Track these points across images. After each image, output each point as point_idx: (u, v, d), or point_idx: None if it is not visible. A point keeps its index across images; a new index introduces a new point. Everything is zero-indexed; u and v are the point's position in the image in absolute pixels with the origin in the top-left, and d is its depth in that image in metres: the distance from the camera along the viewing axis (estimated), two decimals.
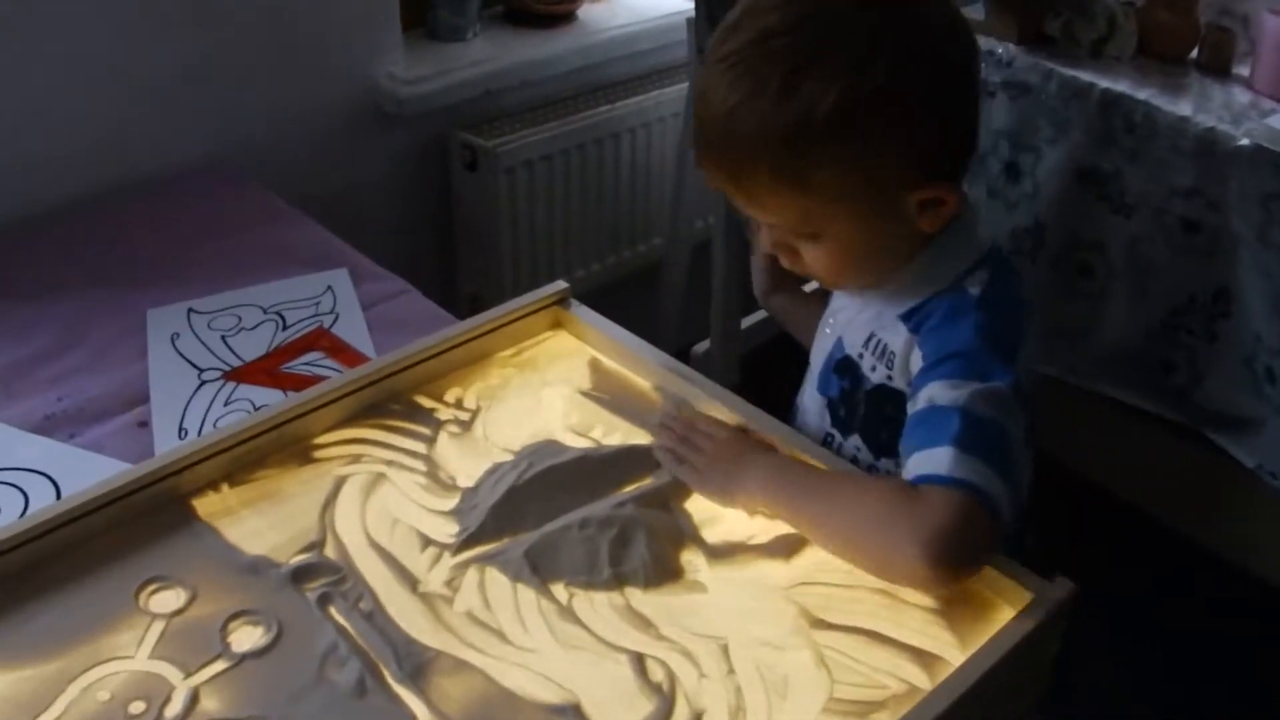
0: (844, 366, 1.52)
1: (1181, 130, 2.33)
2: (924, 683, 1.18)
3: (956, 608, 1.27)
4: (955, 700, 1.12)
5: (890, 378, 1.43)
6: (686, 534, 1.37)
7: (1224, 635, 2.76)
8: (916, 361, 1.36)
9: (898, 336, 1.41)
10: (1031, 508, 1.37)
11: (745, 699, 1.19)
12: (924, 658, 1.21)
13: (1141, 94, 2.37)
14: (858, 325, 1.48)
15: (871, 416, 1.50)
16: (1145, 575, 2.77)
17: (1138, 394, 2.64)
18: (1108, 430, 2.96)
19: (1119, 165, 2.46)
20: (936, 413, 1.27)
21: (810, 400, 1.61)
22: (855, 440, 1.53)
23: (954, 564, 1.20)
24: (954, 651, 1.21)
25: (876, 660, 1.22)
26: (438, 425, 1.55)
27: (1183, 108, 2.33)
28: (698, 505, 1.42)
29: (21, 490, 1.60)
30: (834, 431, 1.55)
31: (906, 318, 1.40)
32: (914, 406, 1.30)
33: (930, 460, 1.23)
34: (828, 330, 1.57)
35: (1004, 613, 1.24)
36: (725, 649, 1.24)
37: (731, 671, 1.21)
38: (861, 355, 1.48)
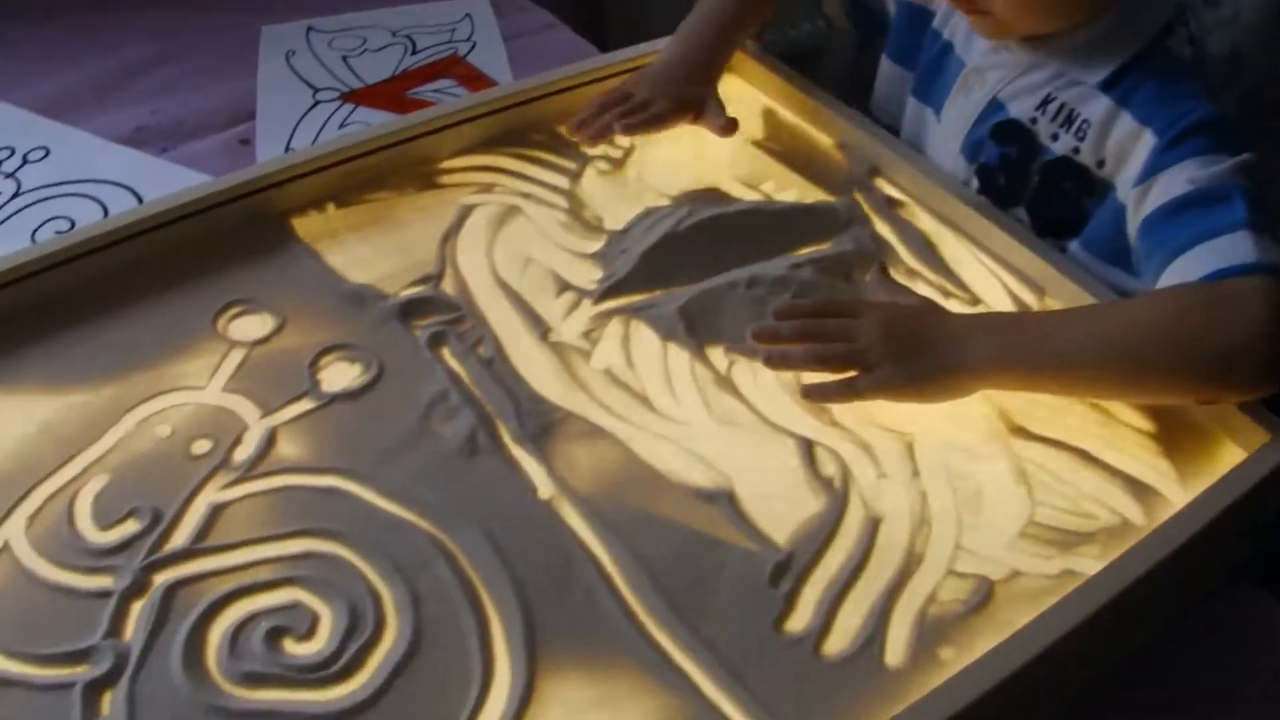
0: (1008, 132, 1.29)
1: None
2: (1138, 518, 1.00)
3: (1176, 435, 1.06)
4: (1178, 546, 0.93)
5: (1078, 150, 1.23)
6: None
7: None
8: (1139, 138, 1.16)
9: (1093, 105, 1.21)
10: None
11: (931, 509, 1.00)
12: (1139, 489, 1.02)
13: None
14: (1025, 86, 1.27)
15: (1046, 190, 1.28)
16: None
17: None
18: None
19: None
20: (1210, 196, 1.07)
21: (945, 161, 1.36)
22: (1017, 213, 1.29)
23: None
24: (1173, 487, 1.02)
25: (1085, 483, 1.03)
26: (584, 161, 1.35)
27: None
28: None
29: (101, 204, 1.46)
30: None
31: (1107, 86, 1.19)
32: (1162, 190, 1.11)
33: (1229, 249, 1.03)
34: (974, 88, 1.32)
35: (1232, 452, 1.04)
36: (910, 448, 1.04)
37: (916, 474, 1.02)
38: (1035, 120, 1.26)
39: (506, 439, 1.04)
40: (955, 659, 0.88)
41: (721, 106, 1.33)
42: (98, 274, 1.18)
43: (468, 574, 0.94)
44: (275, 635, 0.90)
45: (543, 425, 1.05)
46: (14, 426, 1.06)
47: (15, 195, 1.47)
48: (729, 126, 1.30)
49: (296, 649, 0.90)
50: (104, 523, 0.98)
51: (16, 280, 1.15)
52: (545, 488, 1.00)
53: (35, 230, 1.41)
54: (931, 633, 0.91)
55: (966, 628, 0.91)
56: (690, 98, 1.34)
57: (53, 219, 1.43)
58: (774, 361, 1.07)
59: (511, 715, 0.85)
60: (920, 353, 1.05)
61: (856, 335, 1.06)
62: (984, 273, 1.21)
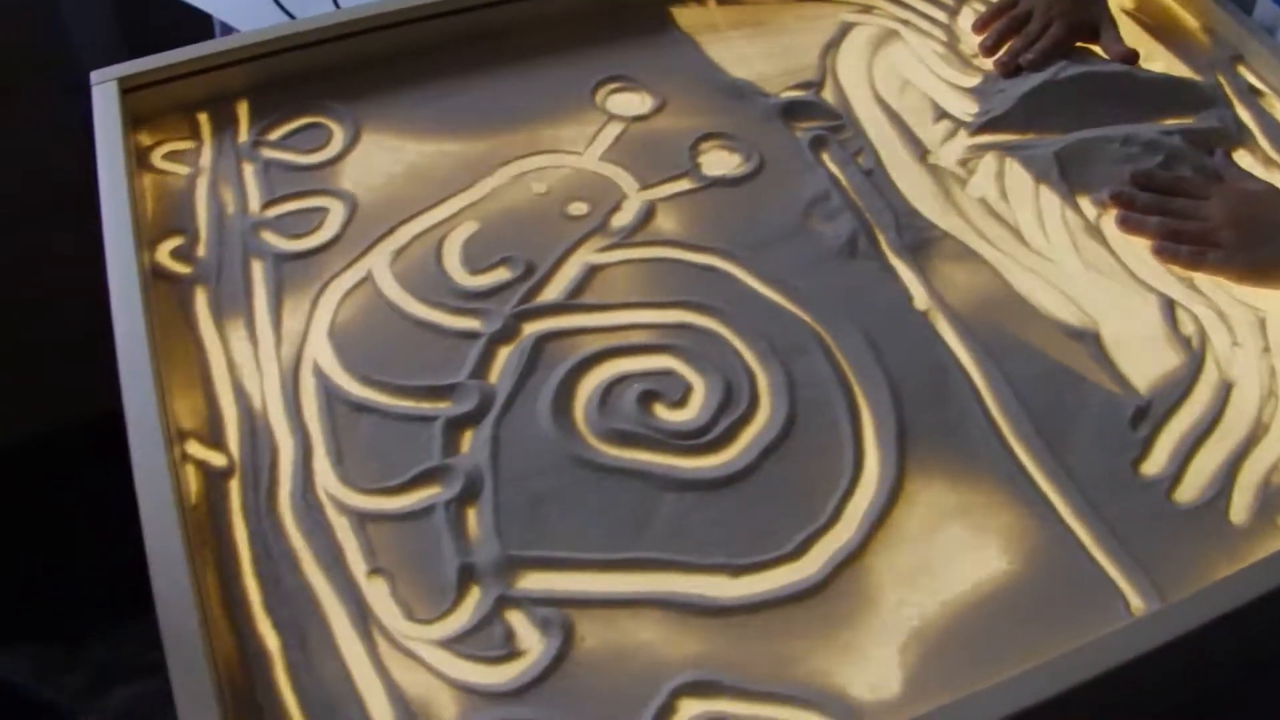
0: None
1: None
2: None
3: None
4: None
5: None
6: None
7: None
8: None
9: None
10: None
11: (1279, 384, 1.00)
12: None
13: None
14: None
15: None
16: None
17: None
18: None
19: None
20: None
21: None
22: None
23: None
24: None
25: None
26: None
27: None
28: (1247, 160, 1.20)
29: None
30: None
31: None
32: None
33: None
34: None
35: None
36: (1263, 324, 1.05)
37: (1267, 350, 1.03)
38: None
39: (885, 247, 1.06)
40: None
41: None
42: (465, 32, 1.22)
43: (842, 367, 0.97)
44: (647, 399, 0.94)
45: (920, 239, 1.07)
46: (380, 165, 1.10)
47: None
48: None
49: (668, 415, 0.93)
50: (473, 267, 1.02)
51: (382, 28, 1.20)
52: (921, 299, 1.02)
53: None
54: (1274, 500, 0.92)
55: None
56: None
57: None
58: (1129, 225, 1.10)
59: (880, 508, 0.88)
60: (1265, 239, 1.07)
61: (1204, 216, 1.09)
62: None
